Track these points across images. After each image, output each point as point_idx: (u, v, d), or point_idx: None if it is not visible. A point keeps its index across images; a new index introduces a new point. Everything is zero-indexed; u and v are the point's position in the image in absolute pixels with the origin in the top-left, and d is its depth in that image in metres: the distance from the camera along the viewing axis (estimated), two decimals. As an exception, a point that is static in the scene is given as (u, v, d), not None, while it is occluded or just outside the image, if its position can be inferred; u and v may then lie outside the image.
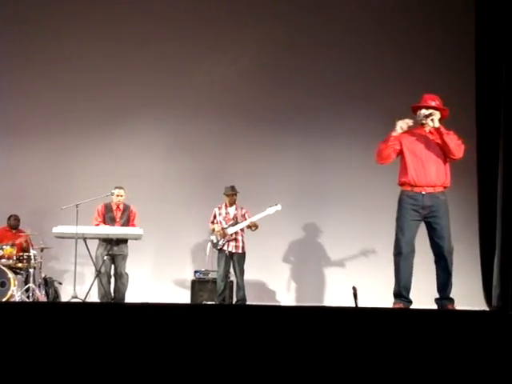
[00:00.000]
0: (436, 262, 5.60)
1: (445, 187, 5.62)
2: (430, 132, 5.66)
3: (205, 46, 9.65)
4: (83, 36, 9.61)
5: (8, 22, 9.61)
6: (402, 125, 5.61)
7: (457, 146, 5.55)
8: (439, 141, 5.58)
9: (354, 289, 5.61)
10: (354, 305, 5.52)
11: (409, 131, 5.69)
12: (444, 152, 5.58)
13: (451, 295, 5.61)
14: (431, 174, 5.54)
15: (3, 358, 3.31)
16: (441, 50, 9.18)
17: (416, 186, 5.54)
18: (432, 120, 5.53)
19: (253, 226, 8.22)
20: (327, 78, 9.51)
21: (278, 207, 8.20)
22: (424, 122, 5.62)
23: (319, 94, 9.50)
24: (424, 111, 5.62)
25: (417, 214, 5.54)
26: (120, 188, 8.19)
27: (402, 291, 5.52)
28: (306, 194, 9.46)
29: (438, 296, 5.64)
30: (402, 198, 5.63)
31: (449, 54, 9.13)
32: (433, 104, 5.64)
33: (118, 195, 8.17)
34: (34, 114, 9.56)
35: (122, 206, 8.25)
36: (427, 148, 5.60)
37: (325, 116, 9.49)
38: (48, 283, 8.62)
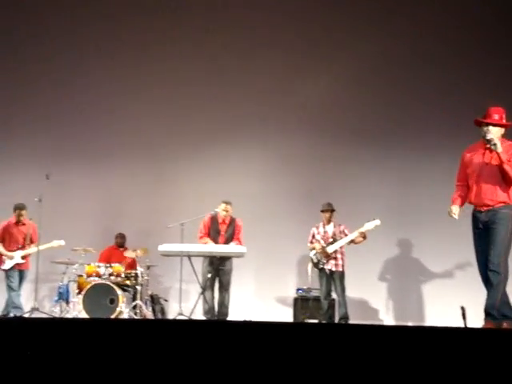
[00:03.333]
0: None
1: (504, 203, 5.34)
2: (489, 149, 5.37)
3: (302, 64, 9.71)
4: (183, 60, 9.89)
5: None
6: None
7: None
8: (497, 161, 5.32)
9: (463, 309, 5.42)
10: (462, 325, 5.34)
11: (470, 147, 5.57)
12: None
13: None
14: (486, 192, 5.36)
15: (113, 371, 3.39)
16: None
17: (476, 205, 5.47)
18: (495, 145, 5.24)
19: (360, 238, 8.11)
20: (429, 94, 9.35)
21: (377, 222, 8.03)
22: (487, 144, 5.33)
23: (420, 111, 9.36)
24: (485, 134, 5.32)
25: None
26: (227, 203, 8.27)
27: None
28: (403, 210, 9.31)
29: None
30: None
31: None
32: (496, 117, 5.36)
33: (224, 210, 8.26)
34: (138, 137, 9.88)
35: (227, 220, 8.33)
36: (484, 165, 5.41)
37: (426, 133, 9.34)
38: (154, 300, 8.80)
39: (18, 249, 8.53)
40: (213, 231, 8.28)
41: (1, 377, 3.24)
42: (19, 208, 8.53)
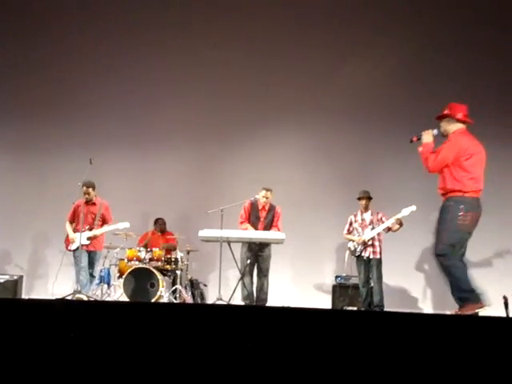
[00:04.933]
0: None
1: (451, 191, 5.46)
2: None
3: (347, 51, 9.68)
4: (231, 47, 9.94)
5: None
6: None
7: (424, 161, 5.60)
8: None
9: (505, 298, 5.36)
10: (504, 314, 5.28)
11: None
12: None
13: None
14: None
15: (152, 354, 3.45)
16: None
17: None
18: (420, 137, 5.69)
19: (396, 225, 8.05)
20: (472, 79, 9.21)
21: (413, 208, 7.93)
22: None
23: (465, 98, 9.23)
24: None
25: None
26: (268, 190, 8.29)
27: None
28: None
29: None
30: None
31: None
32: (445, 112, 5.64)
33: (264, 196, 8.28)
34: (180, 124, 9.97)
35: (267, 207, 8.35)
36: None
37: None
38: (194, 285, 8.88)
39: (86, 229, 8.21)
40: (253, 217, 8.31)
41: (45, 357, 3.32)
42: (85, 185, 8.18)
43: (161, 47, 10.04)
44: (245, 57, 9.94)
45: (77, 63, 10.10)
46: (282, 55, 9.82)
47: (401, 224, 8.06)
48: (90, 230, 8.26)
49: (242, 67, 9.91)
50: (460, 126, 5.54)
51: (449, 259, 5.29)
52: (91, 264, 8.32)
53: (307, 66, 9.76)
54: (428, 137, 5.61)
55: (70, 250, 8.29)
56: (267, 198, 8.29)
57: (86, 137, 9.91)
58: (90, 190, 8.28)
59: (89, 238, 8.21)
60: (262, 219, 8.31)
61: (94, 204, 8.37)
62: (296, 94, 9.73)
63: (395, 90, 9.57)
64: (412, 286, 9.34)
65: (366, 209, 8.36)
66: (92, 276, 8.36)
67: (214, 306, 6.48)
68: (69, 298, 7.55)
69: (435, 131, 5.60)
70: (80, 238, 7.98)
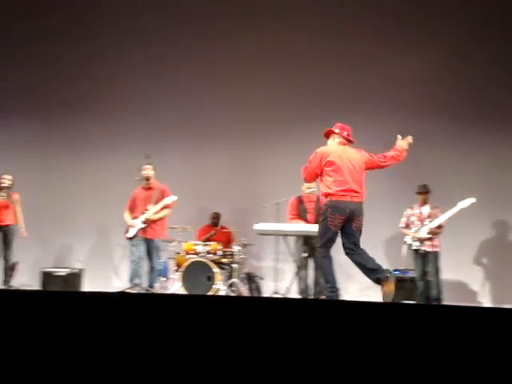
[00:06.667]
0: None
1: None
2: None
3: (402, 42, 9.56)
4: (287, 42, 9.96)
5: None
6: None
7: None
8: None
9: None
10: None
11: None
12: None
13: None
14: None
15: (210, 346, 3.50)
16: None
17: None
18: None
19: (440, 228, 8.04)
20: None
21: (472, 200, 7.82)
22: None
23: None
24: None
25: None
26: None
27: None
28: (500, 191, 9.05)
29: None
30: None
31: None
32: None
33: (308, 187, 8.25)
34: (234, 118, 10.03)
35: (313, 198, 8.31)
36: None
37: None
38: (250, 278, 8.92)
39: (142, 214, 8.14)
40: (301, 211, 8.29)
41: (106, 350, 3.41)
42: (146, 162, 8.24)
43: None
44: (304, 52, 9.94)
45: (133, 59, 10.25)
46: (336, 50, 9.76)
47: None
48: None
49: (299, 61, 9.90)
50: None
51: None
52: (150, 254, 8.28)
53: (361, 60, 9.70)
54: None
55: (127, 238, 8.30)
56: (311, 188, 8.26)
57: (143, 131, 10.06)
58: (148, 166, 8.28)
59: (144, 222, 8.11)
60: (310, 210, 8.28)
61: (151, 188, 8.32)
62: (351, 86, 9.67)
63: (452, 81, 9.41)
64: (470, 280, 9.21)
65: (425, 203, 8.27)
66: (153, 268, 8.33)
67: (270, 299, 6.51)
68: (129, 290, 7.71)
69: None
70: (138, 224, 8.04)
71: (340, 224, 6.09)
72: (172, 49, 10.20)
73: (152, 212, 8.19)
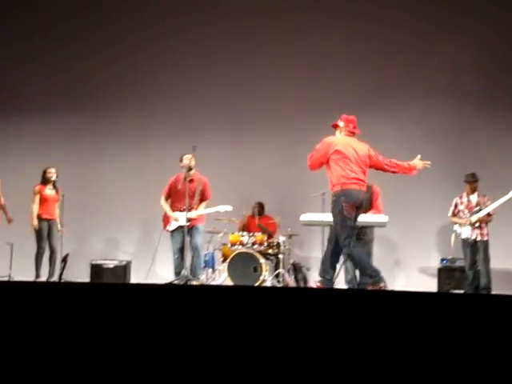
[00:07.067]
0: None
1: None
2: None
3: (450, 29, 9.41)
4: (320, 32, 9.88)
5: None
6: None
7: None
8: None
9: None
10: None
11: None
12: None
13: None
14: None
15: (259, 336, 3.50)
16: None
17: None
18: None
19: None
20: None
21: None
22: None
23: None
24: None
25: None
26: None
27: None
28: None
29: None
30: None
31: None
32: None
33: None
34: (278, 110, 10.02)
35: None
36: None
37: None
38: (297, 269, 8.88)
39: (184, 209, 7.88)
40: None
41: (156, 341, 3.44)
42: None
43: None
44: (343, 42, 9.89)
45: (175, 52, 10.33)
46: (380, 38, 9.67)
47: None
48: (190, 210, 7.95)
49: (339, 50, 9.84)
50: None
51: None
52: (192, 239, 8.12)
53: (409, 44, 9.60)
54: None
55: (167, 231, 8.28)
56: None
57: (189, 124, 10.12)
58: (190, 155, 8.15)
59: (188, 220, 7.93)
60: None
61: (193, 180, 8.16)
62: (398, 72, 9.58)
63: (500, 70, 9.24)
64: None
65: (473, 191, 8.15)
66: (195, 250, 8.13)
67: (317, 289, 6.49)
68: (176, 282, 7.76)
69: None
70: (181, 219, 7.93)
71: (354, 212, 6.17)
72: (215, 45, 10.24)
73: (198, 214, 8.18)
